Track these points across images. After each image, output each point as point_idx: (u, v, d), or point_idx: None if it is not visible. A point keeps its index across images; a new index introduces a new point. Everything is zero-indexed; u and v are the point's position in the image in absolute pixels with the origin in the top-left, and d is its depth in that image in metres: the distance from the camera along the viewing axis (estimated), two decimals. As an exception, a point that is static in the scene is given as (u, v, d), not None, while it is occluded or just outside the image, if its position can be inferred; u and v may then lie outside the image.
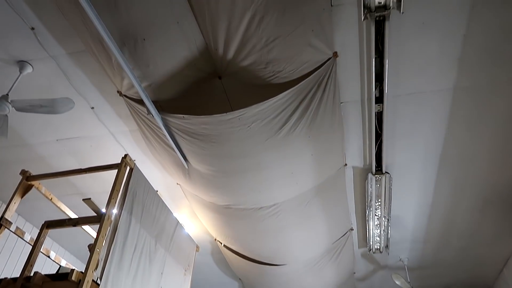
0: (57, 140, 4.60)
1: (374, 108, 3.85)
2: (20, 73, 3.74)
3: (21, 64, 3.73)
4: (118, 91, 3.84)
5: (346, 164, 4.68)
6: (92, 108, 4.19)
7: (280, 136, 3.69)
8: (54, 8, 3.25)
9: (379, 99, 3.80)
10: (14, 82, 3.71)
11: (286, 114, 3.54)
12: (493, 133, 4.20)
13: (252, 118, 3.50)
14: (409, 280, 6.52)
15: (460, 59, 3.48)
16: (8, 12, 3.29)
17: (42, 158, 4.87)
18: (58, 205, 4.03)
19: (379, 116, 3.98)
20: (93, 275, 2.85)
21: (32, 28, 3.42)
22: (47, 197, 3.90)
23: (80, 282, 2.75)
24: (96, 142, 4.61)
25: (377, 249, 6.17)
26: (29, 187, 3.68)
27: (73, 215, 4.10)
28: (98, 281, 2.93)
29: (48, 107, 3.41)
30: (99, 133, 4.48)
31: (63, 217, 3.89)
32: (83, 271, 2.82)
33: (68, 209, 4.17)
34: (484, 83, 3.69)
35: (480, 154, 4.46)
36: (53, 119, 4.31)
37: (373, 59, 3.42)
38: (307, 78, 3.38)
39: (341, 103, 3.92)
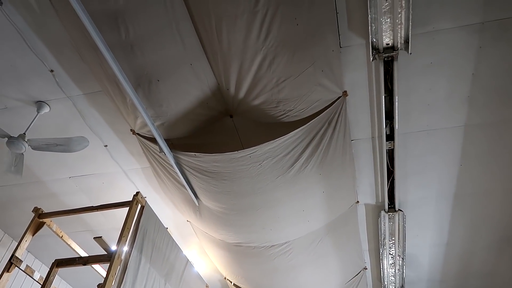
0: (70, 177, 4.66)
1: (385, 145, 3.85)
2: (38, 113, 3.85)
3: (39, 104, 3.85)
4: (131, 130, 3.91)
5: (358, 202, 4.62)
6: (106, 146, 4.26)
7: (291, 173, 3.69)
8: (73, 51, 3.40)
9: (390, 137, 3.81)
10: (32, 122, 3.82)
11: (296, 152, 3.56)
12: (506, 170, 4.14)
13: (263, 156, 3.53)
14: (426, 323, 6.24)
15: (470, 97, 3.50)
16: (29, 54, 3.44)
17: (55, 195, 4.92)
18: (69, 243, 4.02)
19: (391, 154, 3.97)
20: (101, 317, 2.80)
21: (52, 71, 3.55)
22: (58, 235, 3.91)
23: (88, 324, 2.71)
24: (108, 179, 4.65)
25: (392, 289, 5.96)
26: (41, 225, 3.70)
27: (83, 253, 4.09)
28: (107, 323, 2.88)
29: (63, 145, 3.48)
30: (111, 170, 4.54)
31: (73, 254, 3.88)
32: (92, 313, 2.78)
33: (78, 247, 4.16)
34: (494, 120, 3.69)
35: (494, 191, 4.38)
36: (67, 157, 4.38)
37: (383, 98, 3.46)
38: (318, 117, 3.42)
39: (352, 140, 3.93)
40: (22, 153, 3.67)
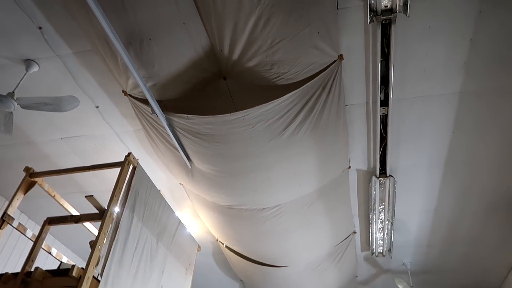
0: (61, 138, 4.63)
1: (379, 111, 3.84)
2: (27, 71, 3.77)
3: (28, 62, 3.76)
4: (123, 91, 3.85)
5: (350, 167, 4.66)
6: (97, 107, 4.21)
7: (284, 137, 3.69)
8: (62, 8, 3.28)
9: (384, 102, 3.79)
10: (20, 80, 3.74)
11: (290, 116, 3.54)
12: (499, 139, 4.17)
13: (256, 119, 3.51)
14: (411, 285, 6.48)
15: (467, 63, 3.46)
16: (17, 11, 3.32)
17: (46, 157, 4.90)
18: (61, 203, 4.04)
19: (384, 119, 3.97)
20: (93, 271, 2.86)
21: (40, 28, 3.44)
22: (50, 194, 3.91)
23: (80, 278, 2.76)
24: (100, 141, 4.63)
25: (380, 252, 6.14)
26: (32, 184, 3.70)
27: (75, 213, 4.12)
28: (99, 278, 2.94)
29: (53, 105, 3.43)
30: (103, 132, 4.51)
31: (66, 214, 3.91)
32: (84, 268, 2.83)
33: (70, 206, 4.18)
34: (490, 88, 3.67)
35: (485, 159, 4.42)
36: (58, 117, 4.33)
37: (379, 62, 3.41)
38: (312, 80, 3.38)
39: (346, 105, 3.91)
40: (12, 112, 3.62)
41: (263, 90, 3.63)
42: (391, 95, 3.70)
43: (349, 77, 3.67)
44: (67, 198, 4.89)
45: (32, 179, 3.63)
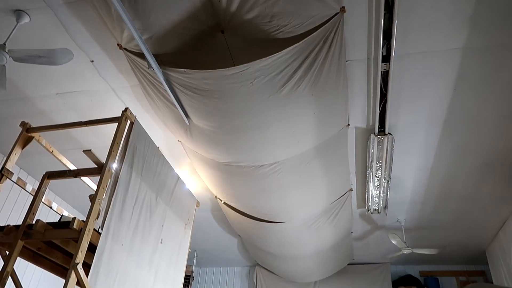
0: (57, 94, 4.55)
1: (381, 67, 3.76)
2: (17, 22, 3.64)
3: (18, 13, 3.62)
4: (118, 44, 3.74)
5: (348, 125, 4.64)
6: (92, 61, 4.10)
7: (283, 93, 3.63)
8: (50, -48, 3.11)
9: (386, 58, 3.71)
10: (11, 32, 3.62)
11: (290, 71, 3.46)
12: (499, 97, 4.13)
13: (255, 74, 3.43)
14: (405, 240, 6.66)
15: (473, 17, 3.35)
16: (2, -44, 3.16)
17: (43, 112, 4.85)
18: (59, 158, 4.05)
19: (385, 76, 3.89)
20: (94, 224, 2.90)
21: (28, -26, 3.29)
22: (48, 150, 3.91)
23: (81, 230, 2.81)
24: (96, 97, 4.56)
25: (375, 209, 6.26)
26: (29, 139, 3.68)
27: (74, 168, 4.13)
28: (100, 230, 2.99)
29: (47, 57, 3.34)
30: (99, 87, 4.43)
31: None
32: (84, 220, 2.87)
33: (69, 162, 4.20)
34: (494, 44, 3.58)
35: (485, 118, 4.41)
36: (52, 72, 4.24)
37: (382, 15, 3.30)
38: (313, 34, 3.27)
39: (346, 61, 3.82)
40: (4, 65, 3.52)
41: (262, 45, 3.53)
42: (393, 50, 3.61)
43: (350, 31, 3.57)
44: (65, 154, 4.89)
45: (29, 134, 3.60)
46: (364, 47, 3.74)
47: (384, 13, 3.32)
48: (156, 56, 3.55)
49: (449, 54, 3.72)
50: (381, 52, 3.64)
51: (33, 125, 3.75)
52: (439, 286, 8.37)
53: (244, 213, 5.96)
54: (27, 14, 3.63)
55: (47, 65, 3.40)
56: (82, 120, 4.65)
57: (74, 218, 2.79)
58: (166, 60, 3.73)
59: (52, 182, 4.41)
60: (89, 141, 5.39)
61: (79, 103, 4.65)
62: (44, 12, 3.60)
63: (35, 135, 3.65)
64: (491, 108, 4.25)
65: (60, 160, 3.98)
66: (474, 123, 4.47)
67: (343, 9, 3.26)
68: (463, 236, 7.25)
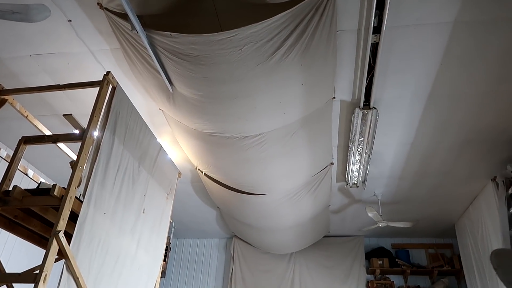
0: (30, 55, 4.27)
1: (371, 38, 3.70)
2: (-13, -27, 3.34)
3: (-13, -37, 3.32)
4: (98, 3, 3.52)
5: (334, 98, 4.60)
6: (69, 21, 3.85)
7: (272, 62, 3.53)
8: None
9: (377, 29, 3.65)
10: (-20, -16, 3.32)
11: (280, 38, 3.36)
12: (485, 74, 4.16)
13: (245, 40, 3.31)
14: (381, 214, 6.83)
15: (466, -11, 3.32)
16: None
17: (15, 75, 4.56)
18: (35, 123, 3.86)
19: (375, 48, 3.84)
20: (76, 191, 2.79)
21: None
22: (22, 114, 3.71)
23: (62, 197, 2.69)
24: (73, 59, 4.31)
25: (354, 183, 6.35)
26: (2, 102, 3.47)
27: (49, 134, 3.95)
28: (81, 198, 2.88)
29: (21, 13, 3.08)
30: (77, 50, 4.18)
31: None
32: (66, 188, 2.75)
33: (45, 128, 4.01)
34: (485, 19, 3.57)
35: (469, 94, 4.46)
36: (26, 31, 3.96)
37: (377, -17, 3.22)
38: (305, 0, 3.17)
39: (337, 31, 3.74)
40: (-27, 20, 3.25)
41: (252, 10, 3.41)
42: (385, 22, 3.55)
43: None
44: (39, 120, 4.67)
45: (2, 97, 3.38)
46: (355, 17, 3.66)
47: (379, -18, 3.24)
48: (139, 18, 3.37)
49: (440, 27, 3.70)
50: (372, 23, 3.58)
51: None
52: (409, 258, 8.71)
53: (225, 185, 5.92)
54: (-3, -35, 3.33)
55: (21, 21, 3.15)
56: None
57: (55, 185, 2.67)
58: (150, 22, 3.55)
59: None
60: (64, 106, 5.13)
61: (54, 66, 4.39)
62: (17, -36, 3.32)
63: (9, 98, 3.44)
64: (476, 84, 4.30)
65: (35, 126, 3.79)
66: (458, 99, 4.52)
67: (337, -24, 3.16)
68: (436, 210, 7.50)
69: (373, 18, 3.53)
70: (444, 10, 3.51)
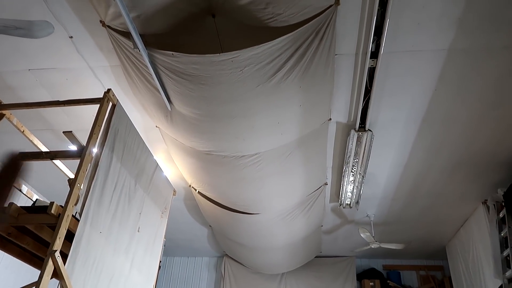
0: (29, 70, 4.26)
1: (368, 63, 3.78)
2: (-10, -11, 3.36)
3: (-9, -22, 3.34)
4: (101, 21, 3.54)
5: (330, 119, 4.66)
6: (71, 37, 3.86)
7: (272, 83, 3.58)
8: None
9: (374, 54, 3.73)
10: (-17, -1, 3.34)
11: (280, 61, 3.41)
12: (477, 99, 4.27)
13: (246, 62, 3.35)
14: (373, 235, 6.83)
15: (461, 19, 3.43)
16: None
17: (12, 89, 4.53)
18: (31, 139, 3.81)
19: (371, 72, 3.93)
20: (73, 209, 2.75)
21: None
22: (19, 129, 3.68)
23: (59, 216, 2.65)
24: (72, 75, 4.31)
25: (347, 204, 6.37)
26: (0, 117, 3.43)
27: (46, 150, 3.91)
28: (78, 217, 2.84)
29: (24, 29, 3.09)
30: (76, 66, 4.19)
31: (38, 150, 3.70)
32: (63, 205, 2.71)
33: (40, 143, 3.97)
34: (478, 47, 3.69)
35: (461, 118, 4.55)
36: (26, 46, 3.96)
37: (376, 10, 3.30)
38: (306, 25, 3.23)
39: (335, 55, 3.81)
40: (-25, 35, 3.24)
41: (252, 33, 3.45)
42: (382, 48, 3.63)
43: (342, 24, 3.55)
44: (34, 135, 4.62)
45: (1, 112, 3.36)
46: (353, 42, 3.74)
47: (378, 9, 3.33)
48: (142, 36, 3.39)
49: (435, 55, 3.80)
50: (370, 48, 3.66)
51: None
52: (400, 279, 8.70)
53: (218, 203, 5.89)
54: (1, -19, 3.35)
55: (24, 37, 3.15)
56: (55, 99, 4.44)
57: (52, 203, 2.63)
58: (152, 41, 3.57)
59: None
60: (59, 121, 5.11)
61: (53, 80, 4.38)
62: (21, -20, 3.35)
63: (6, 112, 3.41)
64: (468, 109, 4.40)
65: (31, 141, 3.75)
66: (451, 123, 4.61)
67: (337, 2, 3.24)
68: (427, 231, 7.53)
69: (371, 43, 3.61)
70: (439, 38, 3.62)
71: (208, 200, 5.94)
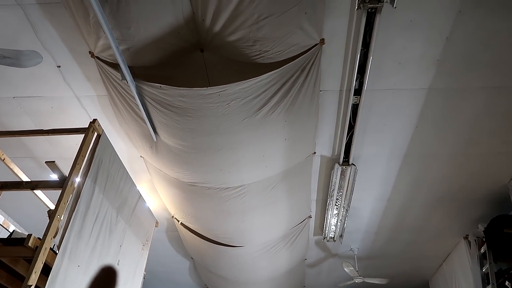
0: (14, 97, 4.23)
1: (352, 99, 3.89)
2: (-20, 17, 3.38)
3: (-19, 7, 3.37)
4: (90, 52, 3.58)
5: (315, 153, 4.71)
6: (59, 67, 3.88)
7: (258, 117, 3.64)
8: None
9: (358, 92, 3.85)
10: (-28, 27, 3.35)
11: (267, 96, 3.48)
12: (456, 137, 4.40)
13: (233, 96, 3.41)
14: (357, 269, 6.78)
15: (440, 61, 3.58)
16: None
17: (-6, 115, 4.48)
18: (11, 167, 3.74)
19: (355, 108, 4.03)
20: (51, 242, 2.67)
21: (0, -31, 3.08)
22: (-1, 157, 3.60)
23: (37, 249, 2.57)
24: (58, 104, 4.30)
25: (331, 237, 6.35)
26: (-19, 144, 3.37)
27: (27, 179, 3.83)
28: (56, 250, 2.76)
29: (12, 58, 3.10)
30: (62, 94, 4.18)
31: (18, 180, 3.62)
32: (41, 238, 2.64)
33: (21, 172, 3.89)
34: (456, 87, 3.84)
35: (441, 155, 4.66)
36: (12, 74, 3.95)
37: (359, 50, 3.43)
38: (293, 62, 3.33)
39: (320, 91, 3.91)
40: (-39, 62, 3.23)
41: (240, 68, 3.53)
42: (365, 85, 3.75)
43: (327, 62, 3.67)
44: (14, 162, 4.53)
45: (-19, 139, 3.30)
46: (338, 79, 3.86)
47: (361, 49, 3.46)
48: (130, 68, 3.43)
49: (415, 93, 3.94)
50: (354, 86, 3.77)
51: (-18, 128, 3.45)
52: (384, 315, 8.55)
53: (201, 235, 5.79)
54: (-9, 9, 3.38)
55: (12, 66, 3.16)
56: (38, 127, 4.39)
57: (30, 235, 2.55)
58: (140, 73, 3.61)
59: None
60: (41, 149, 5.03)
61: (37, 108, 4.35)
62: (13, 10, 3.38)
63: (-12, 140, 3.35)
64: (448, 146, 4.52)
65: (11, 169, 3.68)
66: (432, 159, 4.71)
67: (322, 41, 3.37)
68: (410, 266, 7.52)
69: (354, 80, 3.73)
70: (420, 77, 3.76)
71: (191, 231, 5.84)
